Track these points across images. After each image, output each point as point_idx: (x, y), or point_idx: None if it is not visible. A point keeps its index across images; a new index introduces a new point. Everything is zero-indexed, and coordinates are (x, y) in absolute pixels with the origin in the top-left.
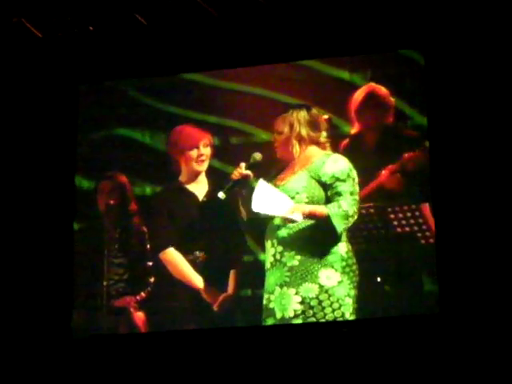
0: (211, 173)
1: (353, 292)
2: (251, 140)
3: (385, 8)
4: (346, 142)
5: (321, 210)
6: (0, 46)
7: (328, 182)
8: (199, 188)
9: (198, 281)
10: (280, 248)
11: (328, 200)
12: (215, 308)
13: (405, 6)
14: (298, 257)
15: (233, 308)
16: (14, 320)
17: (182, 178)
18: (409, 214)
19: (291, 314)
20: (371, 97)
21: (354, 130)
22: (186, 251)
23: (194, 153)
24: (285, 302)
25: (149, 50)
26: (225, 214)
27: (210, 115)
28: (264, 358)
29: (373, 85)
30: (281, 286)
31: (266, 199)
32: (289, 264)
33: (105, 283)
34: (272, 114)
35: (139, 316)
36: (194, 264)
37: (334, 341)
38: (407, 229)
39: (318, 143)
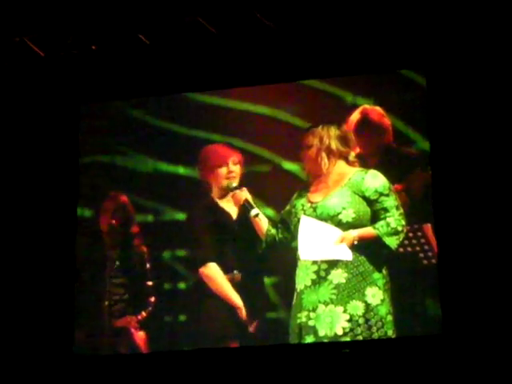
0: None
1: (391, 309)
2: (255, 158)
3: (389, 29)
4: (350, 161)
5: (369, 231)
6: (2, 65)
7: (372, 198)
8: (231, 206)
9: (236, 298)
10: (325, 265)
11: (374, 215)
12: (251, 329)
13: (409, 27)
14: (345, 274)
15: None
16: (16, 340)
17: (214, 195)
18: (411, 235)
19: (339, 332)
20: (364, 121)
21: (356, 151)
22: (224, 269)
23: (223, 170)
24: (331, 320)
25: (151, 69)
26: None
27: (214, 133)
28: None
29: (366, 108)
30: (325, 304)
31: (314, 237)
32: (335, 282)
33: (106, 303)
34: (275, 134)
35: (140, 336)
36: (232, 283)
37: (333, 361)
38: (409, 249)
39: (347, 160)
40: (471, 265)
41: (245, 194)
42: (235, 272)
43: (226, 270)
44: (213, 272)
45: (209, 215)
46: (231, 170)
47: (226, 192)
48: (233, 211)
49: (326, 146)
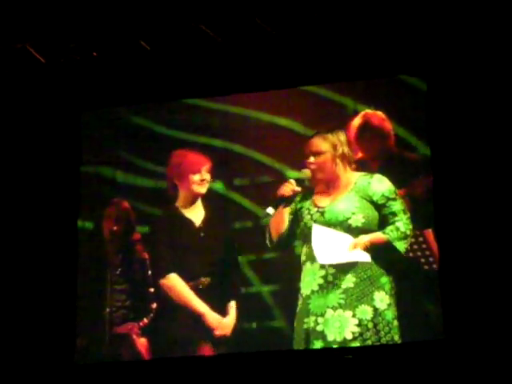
0: (209, 198)
1: (397, 314)
2: (254, 164)
3: (390, 35)
4: (353, 166)
5: (380, 236)
6: (4, 71)
7: (380, 202)
8: (196, 213)
9: (200, 306)
10: (333, 270)
11: (382, 219)
12: (217, 333)
13: (410, 32)
14: (354, 279)
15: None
16: (18, 347)
17: (179, 203)
18: (412, 240)
19: (349, 337)
20: (366, 126)
21: (358, 156)
22: (188, 277)
23: (196, 177)
24: (340, 325)
25: (152, 75)
26: (222, 239)
27: (214, 139)
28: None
29: (368, 113)
30: (334, 309)
31: (328, 244)
32: (343, 286)
33: (107, 310)
34: (276, 140)
35: (142, 342)
36: (196, 290)
37: (339, 367)
38: (411, 254)
39: (350, 165)
40: (473, 270)
41: (293, 190)
42: (201, 278)
43: (191, 277)
44: (173, 283)
45: (169, 225)
46: (204, 177)
47: (194, 199)
48: (197, 219)
49: (340, 153)
